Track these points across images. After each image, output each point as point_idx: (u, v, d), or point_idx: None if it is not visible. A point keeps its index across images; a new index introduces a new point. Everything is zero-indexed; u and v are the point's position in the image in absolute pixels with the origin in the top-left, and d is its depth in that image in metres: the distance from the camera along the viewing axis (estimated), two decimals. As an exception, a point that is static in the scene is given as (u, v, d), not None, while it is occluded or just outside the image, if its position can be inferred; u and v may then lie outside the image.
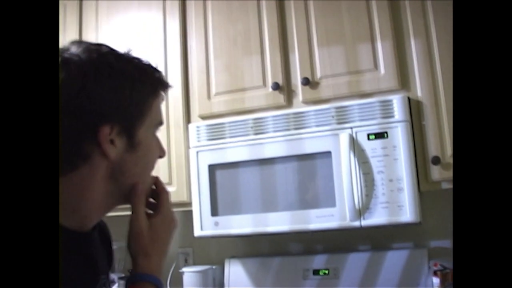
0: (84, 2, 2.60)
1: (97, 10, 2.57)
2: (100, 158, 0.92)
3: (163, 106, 2.23)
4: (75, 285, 0.89)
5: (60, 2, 2.65)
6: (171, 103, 2.31)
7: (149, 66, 1.01)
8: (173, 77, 2.32)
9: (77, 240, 0.94)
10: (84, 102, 0.90)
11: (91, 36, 2.55)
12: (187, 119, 2.30)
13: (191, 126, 2.25)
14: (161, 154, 1.05)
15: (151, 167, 1.03)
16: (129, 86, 0.95)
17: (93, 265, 0.99)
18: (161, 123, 1.03)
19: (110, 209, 1.01)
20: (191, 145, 2.22)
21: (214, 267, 2.41)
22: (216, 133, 2.18)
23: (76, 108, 0.89)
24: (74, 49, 0.94)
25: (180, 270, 2.42)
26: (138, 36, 2.45)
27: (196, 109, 2.29)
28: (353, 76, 2.07)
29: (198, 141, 2.20)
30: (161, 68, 2.32)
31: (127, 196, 0.99)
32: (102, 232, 1.08)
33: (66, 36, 2.60)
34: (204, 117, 2.26)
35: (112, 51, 0.99)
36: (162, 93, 1.03)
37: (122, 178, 0.97)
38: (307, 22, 2.16)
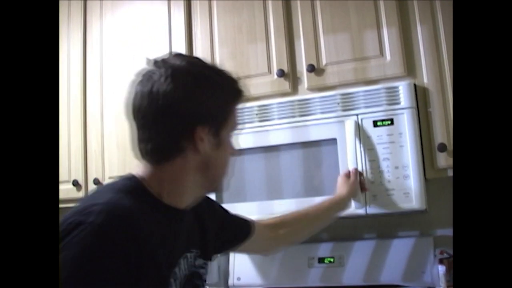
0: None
1: (101, 0, 2.57)
2: (193, 152, 1.11)
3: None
4: (165, 251, 1.08)
5: None
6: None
7: (231, 77, 1.19)
8: (178, 65, 2.31)
9: (173, 214, 1.15)
10: (185, 106, 1.09)
11: (96, 26, 2.55)
12: (193, 106, 2.28)
13: (196, 114, 2.23)
14: (235, 153, 1.24)
15: (229, 163, 1.22)
16: (219, 94, 1.14)
17: (184, 238, 1.20)
18: (237, 126, 1.22)
19: (198, 195, 1.22)
20: (196, 132, 2.21)
21: (219, 255, 2.40)
22: (221, 121, 2.17)
23: (177, 111, 1.08)
24: (174, 61, 1.14)
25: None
26: (143, 25, 2.45)
27: (201, 97, 2.27)
28: (358, 63, 2.06)
29: (203, 128, 2.19)
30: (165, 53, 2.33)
31: (211, 186, 1.21)
32: (195, 210, 1.26)
33: (70, 26, 2.60)
34: (209, 105, 2.25)
35: (205, 63, 1.19)
36: (240, 100, 1.20)
37: (208, 170, 1.16)
38: (313, 9, 2.15)
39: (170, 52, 1.19)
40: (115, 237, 0.96)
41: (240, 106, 1.21)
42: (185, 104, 1.09)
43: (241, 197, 2.10)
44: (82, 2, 2.59)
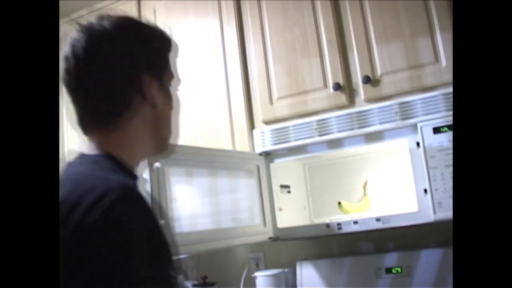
0: (142, 13, 2.72)
1: (155, 18, 2.67)
2: (143, 105, 1.04)
3: (226, 113, 2.31)
4: None
5: (118, 7, 2.77)
6: (233, 110, 2.36)
7: (159, 27, 1.13)
8: (234, 85, 2.39)
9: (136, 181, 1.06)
10: (126, 55, 1.03)
11: None
12: (251, 125, 2.34)
13: (255, 132, 2.29)
14: (178, 108, 1.15)
15: (179, 120, 1.16)
16: (155, 43, 1.09)
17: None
18: (179, 80, 1.15)
19: (149, 156, 1.15)
20: (256, 150, 2.26)
21: (286, 270, 2.43)
22: (281, 137, 2.21)
23: (118, 61, 1.02)
24: (102, 20, 1.05)
25: (253, 275, 2.45)
26: (197, 43, 2.52)
27: (259, 115, 2.33)
28: (414, 71, 2.05)
29: (264, 146, 2.23)
30: (221, 75, 2.40)
31: (161, 145, 1.12)
32: None
33: None
34: (267, 122, 2.29)
35: (133, 18, 1.12)
36: (173, 49, 1.13)
37: (160, 126, 1.09)
38: (364, 21, 2.16)
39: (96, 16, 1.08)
40: (151, 217, 0.90)
41: (175, 54, 1.14)
42: (125, 53, 1.03)
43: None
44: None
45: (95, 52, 1.01)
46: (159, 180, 1.68)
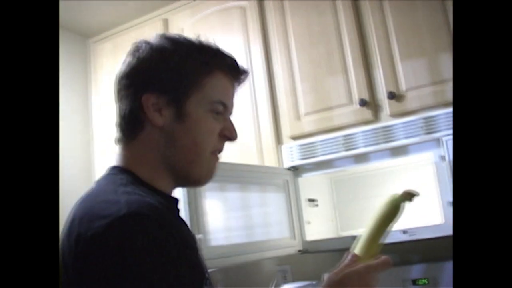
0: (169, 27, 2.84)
1: (182, 32, 2.74)
2: (150, 124, 1.03)
3: (254, 129, 2.37)
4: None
5: (146, 26, 2.89)
6: (261, 126, 2.44)
7: (210, 47, 1.10)
8: (261, 101, 2.47)
9: (167, 200, 1.05)
10: (133, 74, 1.05)
11: None
12: (278, 140, 2.41)
13: (284, 147, 2.35)
14: (228, 134, 1.10)
15: (204, 142, 1.06)
16: (179, 63, 1.04)
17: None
18: (220, 103, 1.07)
19: (178, 181, 1.08)
20: (285, 165, 2.32)
21: (314, 282, 2.47)
22: (308, 152, 2.27)
23: (130, 80, 1.06)
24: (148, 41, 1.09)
25: (280, 287, 2.49)
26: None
27: (286, 130, 2.39)
28: (437, 86, 2.10)
29: (292, 161, 2.30)
30: (248, 92, 2.47)
31: (182, 169, 1.06)
32: None
33: None
34: (294, 138, 2.36)
35: (178, 38, 1.10)
36: (226, 76, 1.09)
37: (175, 147, 1.04)
38: (387, 37, 2.22)
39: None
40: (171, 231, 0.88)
41: (225, 80, 1.09)
42: (133, 73, 1.05)
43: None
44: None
45: (126, 70, 1.06)
46: (195, 194, 1.75)
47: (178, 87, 1.03)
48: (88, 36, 3.22)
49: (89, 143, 3.07)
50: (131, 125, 1.05)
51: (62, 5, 2.70)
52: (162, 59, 1.04)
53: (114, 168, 1.05)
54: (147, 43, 1.07)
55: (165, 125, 1.03)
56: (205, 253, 1.63)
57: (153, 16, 2.96)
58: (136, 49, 1.07)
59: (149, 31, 2.86)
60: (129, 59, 1.07)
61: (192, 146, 1.05)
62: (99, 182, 1.04)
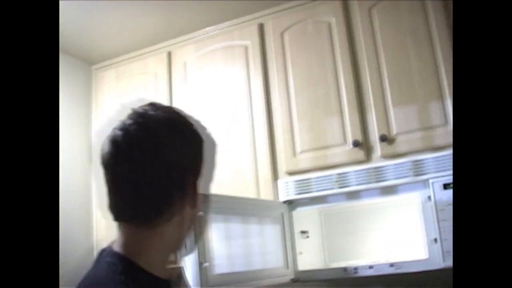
0: (172, 66, 2.96)
1: (185, 66, 2.90)
2: (181, 208, 0.96)
3: (250, 162, 2.50)
4: None
5: (149, 57, 3.02)
6: (259, 161, 2.57)
7: (203, 126, 1.05)
8: (260, 137, 2.61)
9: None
10: (172, 155, 0.95)
11: (180, 87, 2.89)
12: (275, 175, 2.54)
13: (280, 182, 2.49)
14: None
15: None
16: (199, 144, 1.02)
17: None
18: (211, 179, 1.06)
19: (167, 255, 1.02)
20: (280, 198, 2.46)
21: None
22: (303, 187, 2.42)
23: (162, 160, 0.94)
24: (150, 109, 0.98)
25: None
26: (224, 98, 2.76)
27: (283, 166, 2.53)
28: (426, 132, 2.26)
29: (287, 195, 2.44)
30: (248, 127, 2.61)
31: (179, 246, 1.03)
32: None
33: (158, 87, 2.93)
34: (290, 173, 2.50)
35: (178, 112, 1.04)
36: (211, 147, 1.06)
37: (184, 229, 1.00)
38: (381, 84, 2.39)
39: (147, 104, 1.01)
40: None
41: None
42: (174, 150, 0.95)
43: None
44: (167, 65, 2.95)
45: (149, 143, 0.93)
46: (201, 225, 1.88)
47: (198, 167, 1.01)
48: (92, 62, 3.28)
49: (89, 166, 3.15)
50: (159, 206, 0.94)
51: (68, 31, 2.81)
52: (187, 137, 1.00)
53: (114, 255, 0.95)
54: (154, 114, 0.97)
55: (193, 207, 1.00)
56: (209, 281, 1.77)
57: (157, 48, 3.06)
58: (145, 117, 0.97)
59: (152, 63, 3.00)
60: (142, 127, 0.95)
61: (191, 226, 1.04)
62: (95, 270, 0.95)
